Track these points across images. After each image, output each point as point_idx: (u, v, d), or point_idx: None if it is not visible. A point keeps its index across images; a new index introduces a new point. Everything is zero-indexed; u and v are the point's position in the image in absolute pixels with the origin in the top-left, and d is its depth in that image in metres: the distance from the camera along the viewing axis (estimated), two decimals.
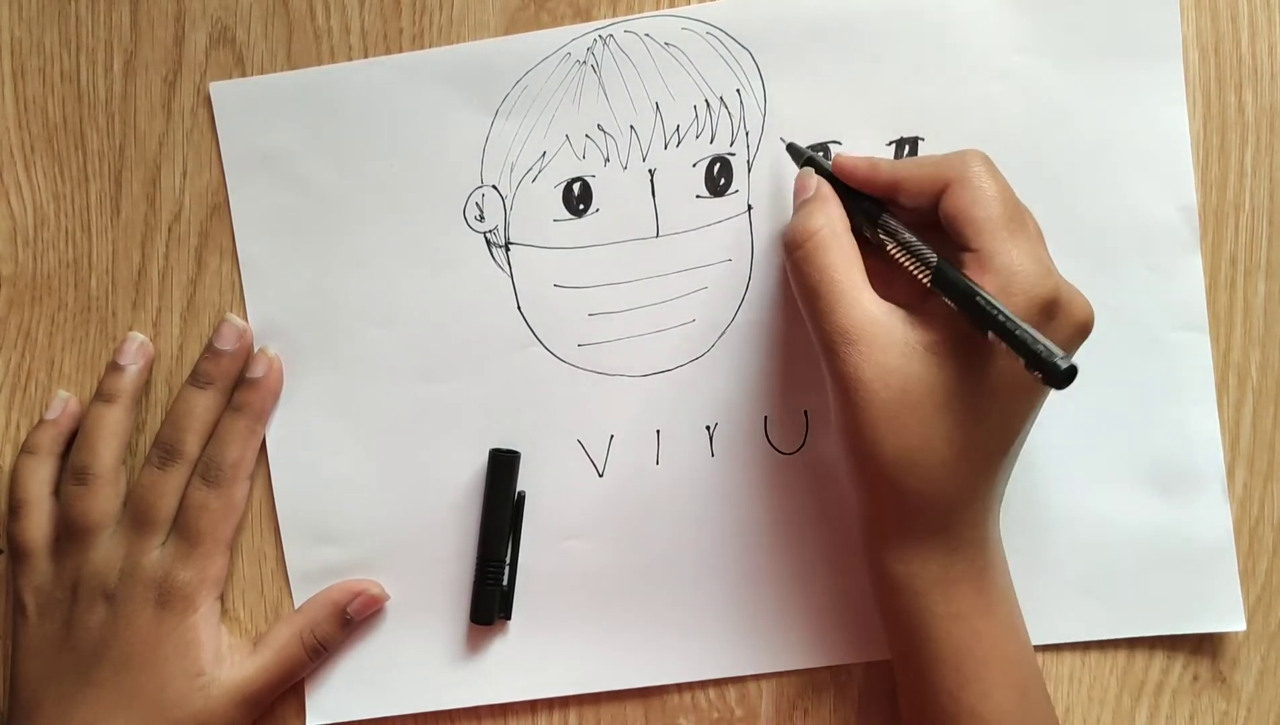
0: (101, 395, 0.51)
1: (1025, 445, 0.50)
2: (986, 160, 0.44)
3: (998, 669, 0.44)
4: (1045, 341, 0.40)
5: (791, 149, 0.49)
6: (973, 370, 0.43)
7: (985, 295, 0.41)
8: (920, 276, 0.43)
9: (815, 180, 0.47)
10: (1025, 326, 0.40)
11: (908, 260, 0.44)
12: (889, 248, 0.45)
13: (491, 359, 0.51)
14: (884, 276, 0.45)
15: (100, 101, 0.52)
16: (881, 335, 0.43)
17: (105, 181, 0.52)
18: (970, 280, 0.42)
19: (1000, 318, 0.40)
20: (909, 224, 0.45)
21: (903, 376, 0.42)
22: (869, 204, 0.46)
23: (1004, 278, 0.42)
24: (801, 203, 0.46)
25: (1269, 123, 0.51)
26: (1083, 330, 0.44)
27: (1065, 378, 0.39)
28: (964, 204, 0.43)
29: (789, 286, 0.50)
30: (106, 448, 0.50)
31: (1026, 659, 0.45)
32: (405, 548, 0.51)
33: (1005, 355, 0.41)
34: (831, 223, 0.45)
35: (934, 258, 0.43)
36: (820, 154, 0.49)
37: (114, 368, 0.51)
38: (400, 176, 0.51)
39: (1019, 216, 0.44)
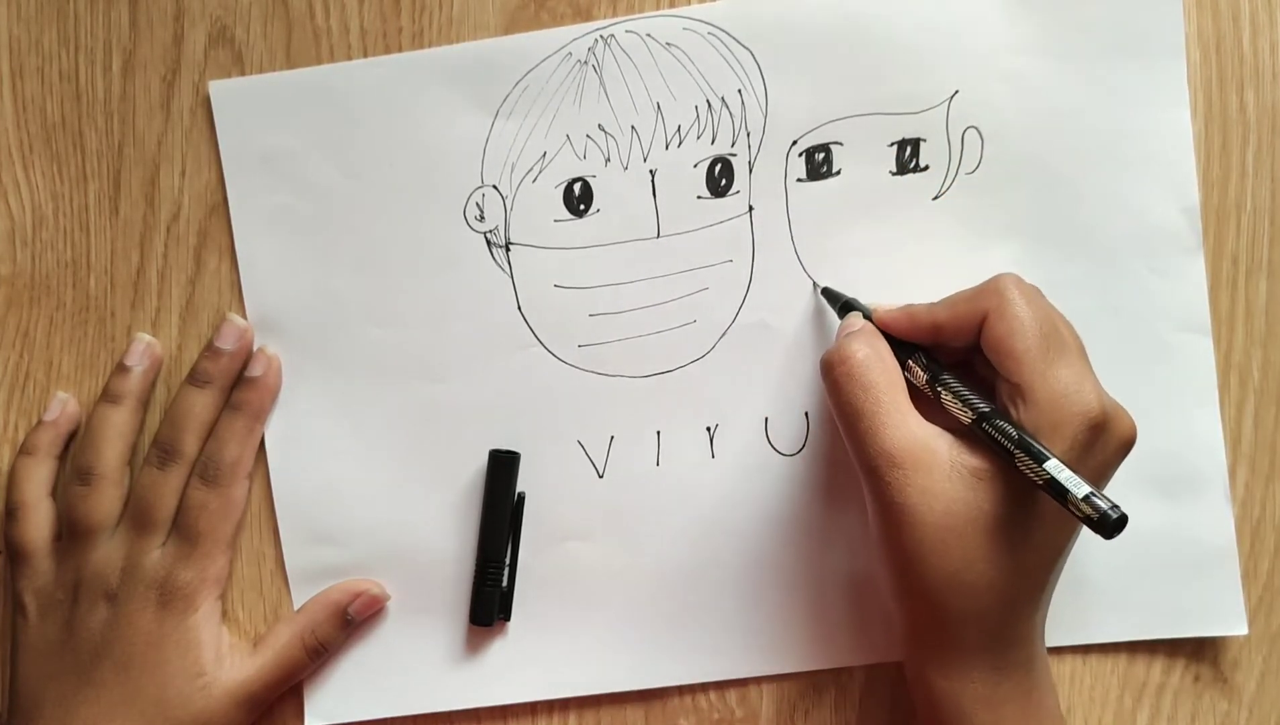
0: (107, 396, 0.51)
1: None
2: (1018, 283, 0.44)
3: None
4: (1095, 496, 0.39)
5: (827, 293, 0.50)
6: (1019, 495, 0.42)
7: (1029, 442, 0.41)
8: (965, 420, 0.43)
9: (860, 320, 0.47)
10: (1073, 477, 0.40)
11: (955, 406, 0.44)
12: (943, 397, 0.44)
13: (492, 359, 0.51)
14: (927, 401, 0.45)
15: (99, 101, 0.52)
16: (926, 459, 0.42)
17: (104, 181, 0.52)
18: (1015, 427, 0.42)
19: (1045, 474, 0.40)
20: (958, 359, 0.46)
21: (947, 500, 0.42)
22: (911, 347, 0.46)
23: (1049, 409, 0.42)
24: (849, 334, 0.46)
25: (1270, 122, 0.50)
26: (1126, 447, 0.44)
27: (1115, 528, 0.39)
28: (1001, 335, 0.43)
29: (790, 287, 0.50)
30: (111, 449, 0.50)
31: None
32: (405, 548, 0.51)
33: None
34: (875, 347, 0.45)
35: (980, 406, 0.43)
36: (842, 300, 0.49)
37: (121, 369, 0.51)
38: (400, 176, 0.51)
39: (1057, 339, 0.43)
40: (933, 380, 0.45)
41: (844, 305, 0.49)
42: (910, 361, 0.45)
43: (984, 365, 0.45)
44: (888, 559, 0.44)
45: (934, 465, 0.42)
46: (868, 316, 0.47)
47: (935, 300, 0.46)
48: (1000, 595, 0.43)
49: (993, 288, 0.44)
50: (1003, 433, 0.42)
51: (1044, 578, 0.44)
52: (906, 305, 0.47)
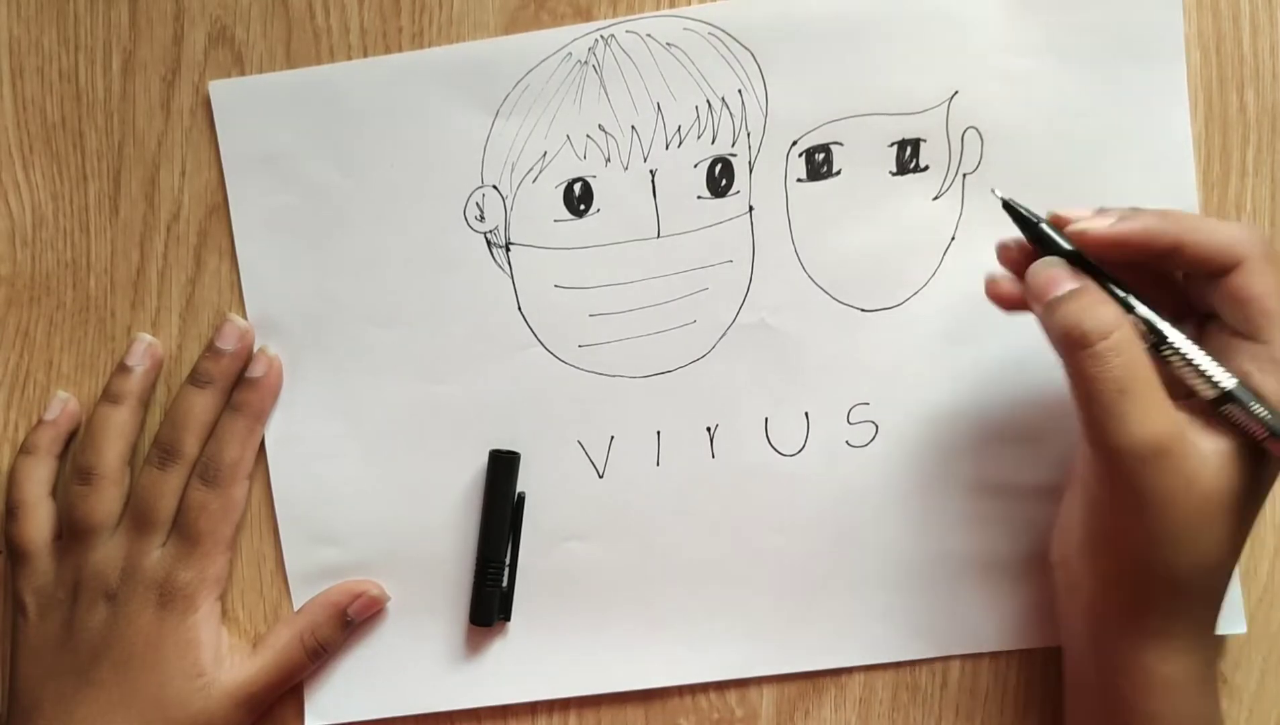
0: (108, 396, 0.50)
1: (1023, 444, 0.50)
2: (1273, 243, 0.43)
3: None
4: None
5: (1014, 214, 0.44)
6: (1257, 473, 0.42)
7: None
8: (1207, 395, 0.41)
9: (1065, 273, 0.42)
10: None
11: (1195, 378, 0.42)
12: (1176, 366, 0.42)
13: (492, 359, 0.51)
14: None
15: (99, 101, 0.52)
16: (1182, 445, 0.41)
17: (104, 181, 0.52)
18: (1267, 407, 0.40)
19: None
20: (1139, 280, 0.42)
21: (1203, 487, 0.41)
22: (1132, 301, 0.42)
23: None
24: (1072, 293, 0.41)
25: (1270, 122, 0.50)
26: None
27: None
28: (1262, 290, 0.41)
29: (790, 287, 0.50)
30: (111, 448, 0.50)
31: None
32: (405, 549, 0.51)
33: None
34: (1124, 321, 0.41)
35: (1226, 379, 0.41)
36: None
37: (122, 368, 0.51)
38: (400, 176, 0.51)
39: None
40: (1158, 345, 0.42)
41: (1037, 237, 0.43)
42: (1133, 318, 0.42)
43: (1169, 298, 0.43)
44: (1127, 547, 0.42)
45: (1190, 452, 0.41)
46: (1067, 252, 0.42)
47: (1161, 211, 0.42)
48: (1227, 573, 0.43)
49: (1259, 235, 0.42)
50: (1255, 417, 0.40)
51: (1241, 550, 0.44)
52: (1134, 211, 0.42)
